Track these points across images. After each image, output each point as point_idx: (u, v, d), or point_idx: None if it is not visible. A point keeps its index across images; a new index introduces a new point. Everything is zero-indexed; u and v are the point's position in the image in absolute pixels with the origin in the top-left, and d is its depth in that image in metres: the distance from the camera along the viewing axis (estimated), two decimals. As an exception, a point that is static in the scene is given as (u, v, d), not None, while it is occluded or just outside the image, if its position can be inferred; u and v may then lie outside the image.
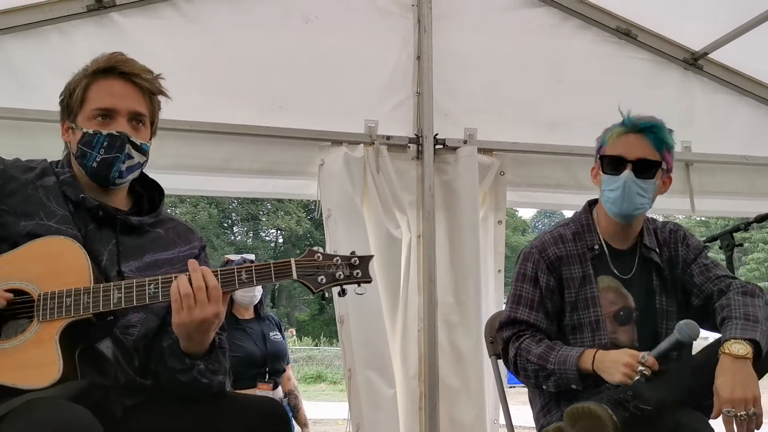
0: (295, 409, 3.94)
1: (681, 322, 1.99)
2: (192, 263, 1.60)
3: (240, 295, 3.79)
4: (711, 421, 1.91)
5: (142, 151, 1.76)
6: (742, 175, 3.73)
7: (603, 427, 1.82)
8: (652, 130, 2.15)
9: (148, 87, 1.76)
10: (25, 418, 1.34)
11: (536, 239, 2.29)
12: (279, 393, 3.79)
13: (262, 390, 3.66)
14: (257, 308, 4.00)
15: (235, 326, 3.77)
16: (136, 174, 1.79)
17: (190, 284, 1.56)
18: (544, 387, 2.11)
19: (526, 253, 2.25)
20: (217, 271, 1.61)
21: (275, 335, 3.94)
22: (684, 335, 1.96)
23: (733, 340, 1.86)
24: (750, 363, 1.83)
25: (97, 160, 1.70)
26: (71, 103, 1.74)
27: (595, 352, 2.03)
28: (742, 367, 1.82)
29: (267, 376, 3.74)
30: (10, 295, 1.56)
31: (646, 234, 2.24)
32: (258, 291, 3.89)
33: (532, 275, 2.20)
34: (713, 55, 3.66)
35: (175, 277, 1.59)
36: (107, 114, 1.71)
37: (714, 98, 3.74)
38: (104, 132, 1.70)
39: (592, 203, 2.33)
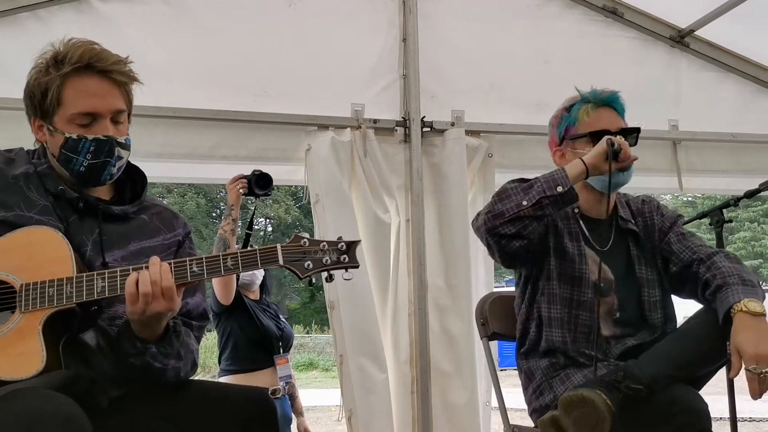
0: (292, 398, 3.95)
1: None
2: (153, 258, 1.58)
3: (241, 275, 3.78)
4: (704, 392, 1.92)
5: (127, 146, 1.72)
6: (729, 153, 3.74)
7: (599, 413, 1.81)
8: (616, 102, 2.21)
9: (125, 80, 1.70)
10: (9, 408, 1.32)
11: None
12: (289, 369, 3.80)
13: (281, 364, 3.67)
14: (262, 292, 3.99)
15: (251, 304, 3.77)
16: (123, 168, 1.75)
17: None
18: (525, 203, 1.99)
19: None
20: (202, 258, 1.60)
21: (283, 318, 3.98)
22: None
23: (747, 299, 1.85)
24: (765, 320, 1.83)
25: (85, 165, 1.66)
26: (44, 103, 1.65)
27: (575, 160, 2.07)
28: (762, 324, 1.82)
29: (281, 352, 3.75)
30: None
31: (620, 207, 2.26)
32: (259, 272, 3.88)
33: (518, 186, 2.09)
34: (699, 32, 3.65)
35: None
36: (90, 117, 1.65)
37: (701, 76, 3.73)
38: (90, 137, 1.64)
39: None
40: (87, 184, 1.71)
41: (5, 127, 2.71)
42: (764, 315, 1.84)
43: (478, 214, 2.10)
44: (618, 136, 2.08)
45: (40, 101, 1.67)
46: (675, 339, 2.02)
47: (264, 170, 3.20)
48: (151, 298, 1.53)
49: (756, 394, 1.79)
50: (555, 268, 2.15)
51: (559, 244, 2.16)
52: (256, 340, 3.64)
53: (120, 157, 1.70)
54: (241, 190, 3.30)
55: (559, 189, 1.99)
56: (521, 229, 2.00)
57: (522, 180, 2.08)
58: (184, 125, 3.02)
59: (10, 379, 1.45)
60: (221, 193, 30.10)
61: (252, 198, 3.40)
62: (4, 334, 1.52)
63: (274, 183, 3.20)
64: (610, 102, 2.20)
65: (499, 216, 2.00)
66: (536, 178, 2.05)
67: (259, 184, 3.36)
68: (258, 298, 3.91)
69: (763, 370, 1.76)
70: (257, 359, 3.66)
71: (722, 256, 2.07)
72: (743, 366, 1.79)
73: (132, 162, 1.80)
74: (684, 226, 2.28)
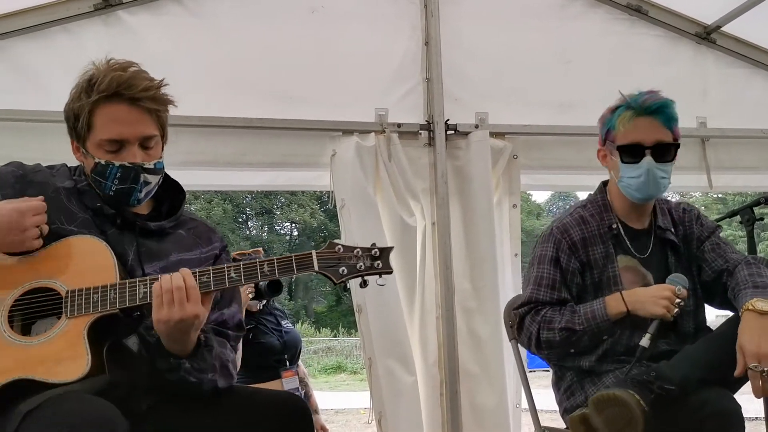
0: (307, 396, 3.97)
1: (668, 278, 2.08)
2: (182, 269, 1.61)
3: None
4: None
5: (157, 171, 1.75)
6: (759, 149, 3.68)
7: (631, 413, 1.80)
8: (661, 111, 2.11)
9: (155, 107, 1.72)
10: (52, 413, 1.36)
11: (556, 221, 2.27)
12: (295, 381, 3.82)
13: (287, 377, 3.69)
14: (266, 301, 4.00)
15: (250, 320, 3.78)
16: (155, 190, 1.79)
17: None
18: (572, 350, 2.08)
19: (546, 234, 2.23)
20: (239, 264, 1.63)
21: (287, 324, 3.98)
22: (677, 283, 2.04)
23: (756, 299, 1.86)
24: None
25: (113, 189, 1.70)
26: (78, 127, 1.70)
27: (622, 295, 2.05)
28: (767, 323, 1.81)
29: (288, 364, 3.77)
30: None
31: (660, 214, 2.25)
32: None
33: (553, 256, 2.17)
34: (726, 28, 3.60)
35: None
36: (117, 144, 1.69)
37: (728, 72, 3.68)
38: (117, 164, 1.69)
39: (605, 183, 2.33)
40: (119, 206, 1.75)
41: (39, 139, 2.78)
42: None
43: (522, 323, 2.17)
44: (679, 288, 2.04)
45: (74, 125, 1.72)
46: (707, 342, 2.01)
47: (288, 180, 3.19)
48: (177, 302, 1.55)
49: (758, 393, 1.78)
50: (589, 297, 2.16)
51: (593, 276, 2.17)
52: (256, 359, 3.65)
53: (147, 183, 1.73)
54: (250, 295, 3.36)
55: (605, 337, 2.08)
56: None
57: (568, 329, 2.08)
58: (209, 133, 3.06)
59: (56, 382, 1.50)
60: (247, 199, 30.37)
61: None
62: (50, 339, 1.57)
63: (299, 189, 3.23)
64: (653, 111, 2.11)
65: (549, 356, 2.17)
66: (580, 323, 2.07)
67: (270, 287, 3.43)
68: (261, 308, 3.91)
69: (765, 369, 1.75)
70: (262, 374, 3.67)
71: (743, 265, 2.07)
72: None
73: (168, 174, 1.84)
74: (721, 236, 2.26)
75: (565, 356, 2.16)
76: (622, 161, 2.14)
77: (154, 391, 1.67)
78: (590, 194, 2.36)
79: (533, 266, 2.22)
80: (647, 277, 2.18)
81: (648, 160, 2.10)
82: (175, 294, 1.55)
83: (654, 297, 2.01)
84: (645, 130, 2.11)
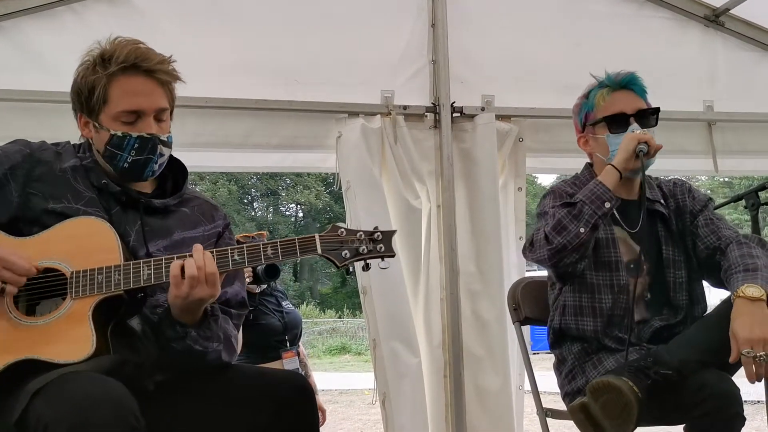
0: (306, 376, 4.00)
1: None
2: (196, 245, 1.63)
3: None
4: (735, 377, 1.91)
5: (169, 144, 1.78)
6: (766, 133, 3.66)
7: (625, 399, 1.83)
8: (634, 83, 2.23)
9: (168, 79, 1.76)
10: (60, 391, 1.38)
11: (551, 187, 2.32)
12: (296, 362, 3.85)
13: (288, 358, 3.72)
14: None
15: (251, 301, 3.79)
16: (165, 164, 1.81)
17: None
18: (582, 230, 2.06)
19: (544, 194, 2.28)
20: (243, 247, 1.64)
21: (288, 305, 4.00)
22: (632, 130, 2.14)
23: (746, 285, 1.88)
24: (765, 305, 1.84)
25: (129, 161, 1.72)
26: (91, 100, 1.71)
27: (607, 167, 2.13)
28: (758, 309, 1.83)
29: (288, 345, 3.79)
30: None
31: (647, 188, 2.27)
32: None
33: (555, 203, 2.18)
34: (735, 11, 3.57)
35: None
36: (134, 115, 1.71)
37: (736, 55, 3.65)
38: (134, 135, 1.71)
39: (591, 164, 2.37)
40: (130, 180, 1.77)
41: (44, 118, 2.79)
42: (762, 300, 1.84)
43: (532, 245, 2.16)
44: (642, 131, 2.13)
45: (87, 98, 1.72)
46: (704, 324, 2.03)
47: (293, 162, 3.20)
48: (196, 283, 1.58)
49: (752, 378, 1.80)
50: (589, 258, 2.17)
51: None
52: (258, 340, 3.67)
53: (162, 155, 1.76)
54: (247, 279, 3.36)
55: (608, 205, 2.07)
56: (584, 252, 2.09)
57: (567, 204, 2.11)
58: (215, 114, 3.06)
59: (62, 362, 1.52)
60: (252, 180, 30.40)
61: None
62: (55, 319, 1.59)
63: (305, 171, 3.24)
64: (626, 84, 2.23)
65: (562, 249, 2.07)
66: (578, 197, 2.10)
67: (267, 273, 3.42)
68: (262, 290, 3.92)
69: (758, 354, 1.77)
70: (263, 355, 3.70)
71: (734, 245, 2.08)
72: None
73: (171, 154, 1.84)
74: (717, 210, 2.27)
75: (579, 260, 2.10)
76: (610, 132, 2.21)
77: (160, 370, 1.69)
78: (575, 174, 2.39)
79: (537, 223, 2.23)
80: (637, 251, 2.20)
81: (634, 126, 2.18)
82: (198, 276, 1.58)
83: (625, 142, 2.11)
84: (624, 101, 2.21)
